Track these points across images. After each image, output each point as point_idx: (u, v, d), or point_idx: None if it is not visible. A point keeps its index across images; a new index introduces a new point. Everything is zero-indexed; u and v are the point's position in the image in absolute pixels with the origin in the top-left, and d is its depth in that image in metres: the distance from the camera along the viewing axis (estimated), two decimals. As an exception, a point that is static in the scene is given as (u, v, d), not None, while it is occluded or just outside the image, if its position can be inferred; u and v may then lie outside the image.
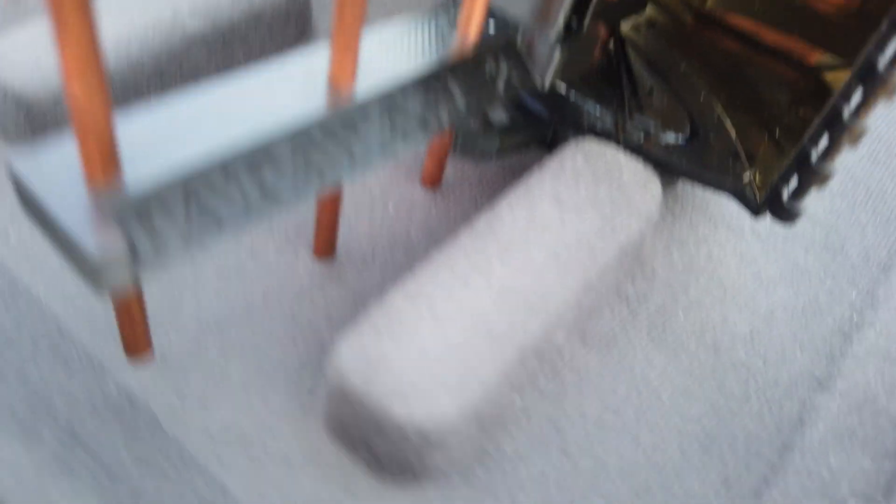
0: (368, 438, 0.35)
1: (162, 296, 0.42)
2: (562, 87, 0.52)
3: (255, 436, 0.37)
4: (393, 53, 0.39)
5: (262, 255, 0.45)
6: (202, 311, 0.42)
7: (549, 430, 0.40)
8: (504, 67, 0.43)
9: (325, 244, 0.45)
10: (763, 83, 0.53)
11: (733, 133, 0.50)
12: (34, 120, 0.45)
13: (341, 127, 0.36)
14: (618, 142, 0.49)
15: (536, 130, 0.52)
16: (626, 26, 0.58)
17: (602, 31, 0.53)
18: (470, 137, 0.51)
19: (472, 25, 0.41)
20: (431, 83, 0.39)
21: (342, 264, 0.46)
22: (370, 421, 0.34)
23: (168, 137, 0.31)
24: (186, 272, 0.43)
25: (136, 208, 0.30)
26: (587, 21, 0.45)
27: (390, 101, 0.37)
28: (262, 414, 0.38)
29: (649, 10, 0.61)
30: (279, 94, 0.35)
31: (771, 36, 0.52)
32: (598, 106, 0.50)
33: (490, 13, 0.44)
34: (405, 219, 0.48)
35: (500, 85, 0.43)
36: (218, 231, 0.32)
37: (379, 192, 0.50)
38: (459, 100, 0.41)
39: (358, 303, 0.44)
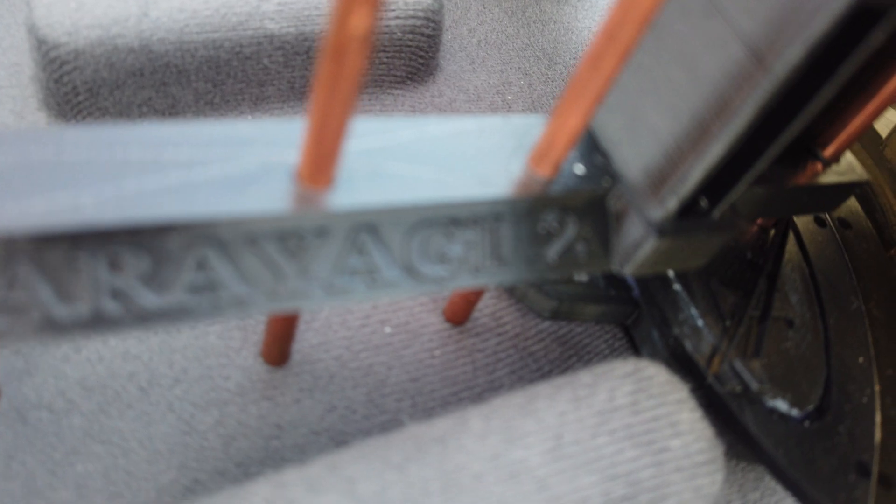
0: None
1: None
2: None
3: None
4: (412, 162, 0.28)
5: (203, 327, 0.36)
6: (97, 365, 0.34)
7: None
8: (571, 230, 0.31)
9: (274, 352, 0.35)
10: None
11: (877, 434, 0.34)
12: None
13: (277, 240, 0.25)
14: (700, 381, 0.35)
15: (614, 308, 0.39)
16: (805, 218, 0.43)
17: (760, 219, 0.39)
18: (520, 284, 0.39)
19: (547, 159, 0.29)
20: (444, 222, 0.28)
21: (287, 377, 0.36)
22: None
23: (35, 177, 0.23)
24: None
25: None
26: (723, 207, 0.31)
27: (370, 228, 0.27)
28: None
29: (851, 204, 0.45)
30: (218, 165, 0.25)
31: None
32: (700, 315, 0.36)
33: (586, 151, 0.31)
34: (395, 353, 0.37)
35: (554, 251, 0.30)
36: (38, 331, 0.23)
37: (386, 303, 0.39)
38: (479, 257, 0.29)
39: (274, 439, 0.34)
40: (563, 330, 0.40)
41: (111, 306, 0.23)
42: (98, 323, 0.23)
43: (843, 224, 0.43)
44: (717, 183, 0.31)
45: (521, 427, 0.29)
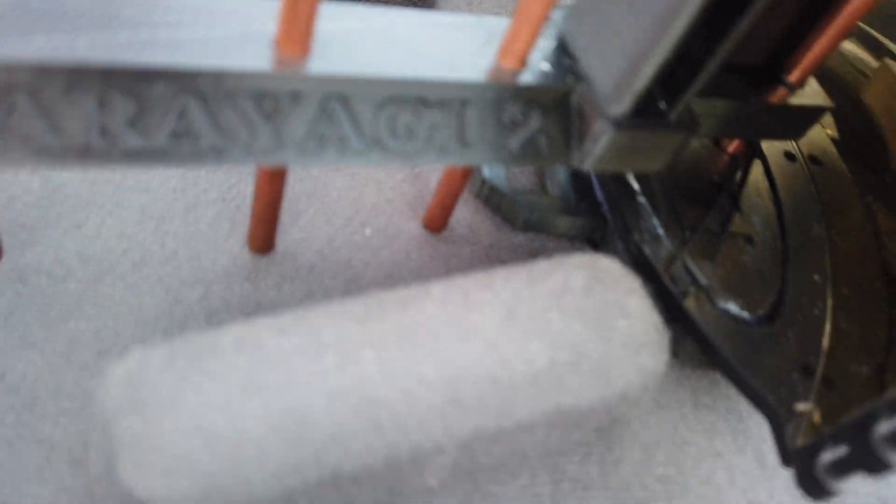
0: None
1: (59, 200, 0.37)
2: (633, 179, 0.40)
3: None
4: (384, 44, 0.30)
5: (195, 215, 0.39)
6: (95, 241, 0.36)
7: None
8: (534, 123, 0.33)
9: (258, 239, 0.37)
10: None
11: (826, 341, 0.36)
12: None
13: (253, 99, 0.28)
14: (658, 285, 0.37)
15: (583, 222, 0.41)
16: (776, 145, 0.45)
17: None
18: (495, 193, 0.41)
19: (513, 51, 0.31)
20: (413, 100, 0.30)
21: (270, 265, 0.38)
22: (104, 476, 0.26)
23: (36, 20, 0.25)
24: (107, 189, 0.38)
25: None
26: (681, 106, 0.33)
27: (341, 98, 0.29)
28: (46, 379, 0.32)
29: (825, 144, 0.47)
30: (204, 28, 0.28)
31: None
32: (661, 225, 0.38)
33: (556, 55, 0.34)
34: (373, 252, 0.40)
35: (517, 141, 0.33)
36: (31, 157, 0.26)
37: (369, 208, 0.41)
38: (445, 138, 0.31)
39: (253, 315, 0.36)
40: (536, 244, 0.42)
41: (98, 142, 0.26)
42: (86, 155, 0.26)
43: (815, 161, 0.45)
44: (673, 86, 0.33)
45: (477, 297, 0.31)
